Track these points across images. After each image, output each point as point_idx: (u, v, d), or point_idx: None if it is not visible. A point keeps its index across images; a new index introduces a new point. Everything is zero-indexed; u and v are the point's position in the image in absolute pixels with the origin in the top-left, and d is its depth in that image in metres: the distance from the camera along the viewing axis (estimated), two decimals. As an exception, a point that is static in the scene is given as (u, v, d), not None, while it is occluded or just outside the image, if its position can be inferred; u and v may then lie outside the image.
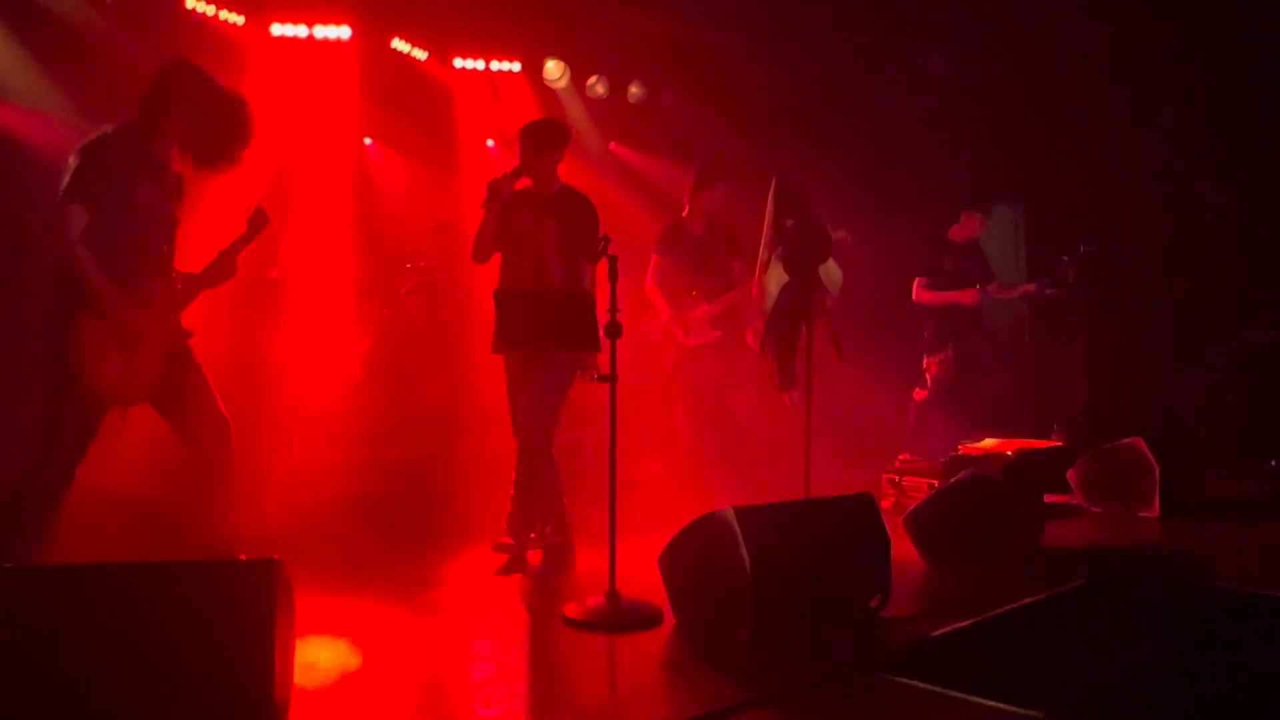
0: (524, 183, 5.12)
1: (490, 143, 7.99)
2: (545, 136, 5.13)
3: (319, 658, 3.61)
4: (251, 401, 6.03)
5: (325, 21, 6.95)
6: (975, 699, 3.20)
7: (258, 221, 4.23)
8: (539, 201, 5.11)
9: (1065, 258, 7.44)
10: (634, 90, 8.30)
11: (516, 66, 7.95)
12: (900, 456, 7.12)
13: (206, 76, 4.09)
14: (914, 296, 7.39)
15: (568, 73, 8.02)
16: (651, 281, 6.62)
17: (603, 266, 4.31)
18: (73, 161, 3.83)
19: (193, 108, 4.01)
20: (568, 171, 5.31)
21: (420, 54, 7.55)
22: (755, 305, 6.28)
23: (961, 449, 6.57)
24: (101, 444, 4.03)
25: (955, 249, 7.45)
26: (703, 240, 6.53)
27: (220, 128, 4.06)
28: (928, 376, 7.40)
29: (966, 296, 7.28)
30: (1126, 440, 6.29)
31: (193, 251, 4.27)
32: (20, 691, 2.77)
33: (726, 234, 6.55)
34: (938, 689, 3.30)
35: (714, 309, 6.44)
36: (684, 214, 6.63)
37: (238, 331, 6.16)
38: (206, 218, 4.60)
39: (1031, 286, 7.73)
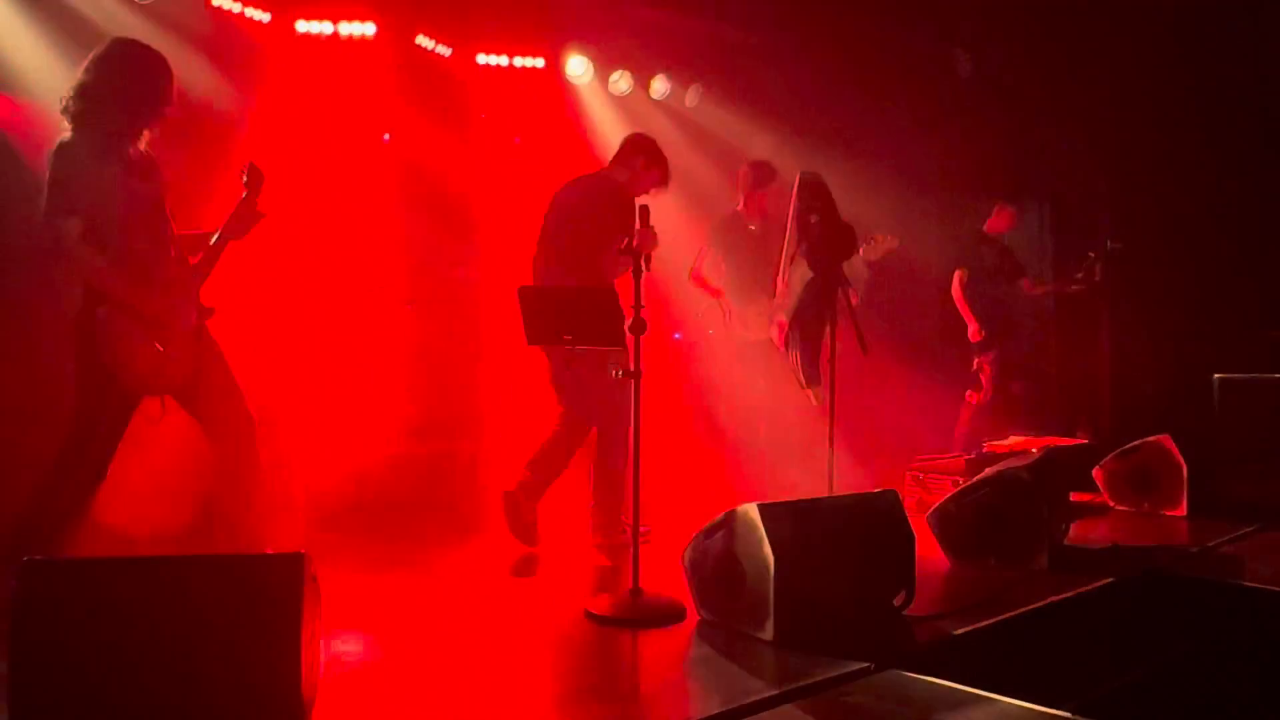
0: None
1: (517, 139, 7.99)
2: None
3: (344, 652, 3.62)
4: (276, 397, 6.06)
5: (350, 18, 6.97)
6: (1002, 698, 3.18)
7: (254, 177, 4.26)
8: None
9: (1092, 254, 7.40)
10: (657, 86, 8.28)
11: (540, 62, 7.95)
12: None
13: (127, 48, 4.08)
14: (953, 290, 7.40)
15: (591, 68, 8.01)
16: (700, 273, 6.65)
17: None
18: (49, 175, 3.82)
19: (130, 84, 4.00)
20: (591, 166, 5.32)
21: (444, 50, 7.56)
22: (779, 302, 6.28)
23: (986, 446, 6.54)
24: (130, 437, 4.06)
25: (992, 244, 7.45)
26: (759, 237, 6.58)
27: (153, 89, 4.05)
28: (982, 378, 7.36)
29: (972, 329, 7.31)
30: (1153, 438, 6.24)
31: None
32: (45, 684, 2.78)
33: (779, 232, 6.59)
34: (963, 687, 3.28)
35: (773, 305, 6.45)
36: (739, 208, 6.66)
37: (260, 327, 6.18)
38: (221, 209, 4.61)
39: (1060, 283, 7.71)
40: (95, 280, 3.84)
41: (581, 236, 5.29)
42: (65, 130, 3.92)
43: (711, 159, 8.00)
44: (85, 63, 3.99)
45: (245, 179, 4.26)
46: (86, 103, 3.93)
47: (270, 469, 4.58)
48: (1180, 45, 7.59)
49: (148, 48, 4.11)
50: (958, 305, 7.41)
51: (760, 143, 7.90)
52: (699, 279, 6.69)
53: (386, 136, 7.46)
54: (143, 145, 4.12)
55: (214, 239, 4.22)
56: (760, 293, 6.52)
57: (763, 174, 6.61)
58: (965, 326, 7.45)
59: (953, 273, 7.55)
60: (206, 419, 4.18)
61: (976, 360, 7.38)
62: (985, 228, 7.45)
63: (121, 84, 3.98)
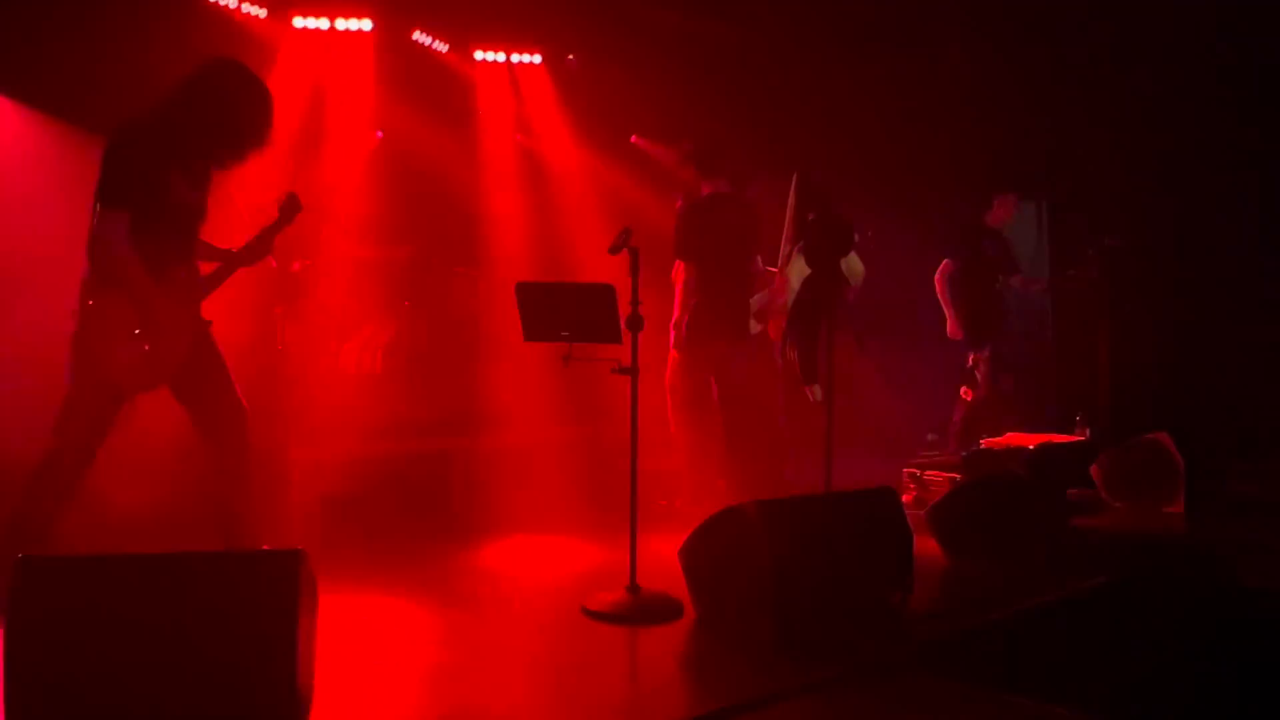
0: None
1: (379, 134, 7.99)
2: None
3: (340, 649, 3.61)
4: (272, 393, 6.05)
5: (347, 14, 6.96)
6: (1000, 694, 3.18)
7: (290, 207, 4.25)
8: None
9: (1089, 251, 7.38)
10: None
11: (538, 58, 7.94)
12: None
13: (237, 74, 4.06)
14: (935, 276, 7.31)
15: None
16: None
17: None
18: (107, 164, 3.83)
19: (221, 105, 4.00)
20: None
21: (441, 46, 7.55)
22: (776, 299, 6.27)
23: (984, 443, 6.53)
24: (116, 437, 4.05)
25: (988, 236, 7.40)
26: None
27: (245, 123, 4.06)
28: (978, 375, 7.33)
29: (950, 325, 7.28)
30: (1151, 435, 6.24)
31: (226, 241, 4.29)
32: (41, 681, 2.77)
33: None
34: (960, 684, 3.28)
35: (758, 305, 6.42)
36: None
37: (259, 324, 6.18)
38: (232, 208, 4.60)
39: (1055, 279, 7.69)
40: (122, 279, 3.83)
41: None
42: (135, 123, 3.93)
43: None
44: (189, 73, 4.00)
45: (280, 205, 4.24)
46: (176, 111, 3.95)
47: (266, 463, 4.57)
48: (1178, 39, 7.57)
49: (251, 78, 4.09)
50: (939, 296, 7.33)
51: (757, 141, 7.89)
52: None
53: (380, 134, 7.45)
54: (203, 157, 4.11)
55: (231, 258, 4.21)
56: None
57: (742, 171, 6.56)
58: (978, 337, 7.33)
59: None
60: (198, 412, 4.16)
61: (972, 357, 7.35)
62: (984, 220, 7.41)
63: (219, 105, 3.98)
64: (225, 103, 4.00)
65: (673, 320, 5.86)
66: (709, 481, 5.85)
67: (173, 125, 3.97)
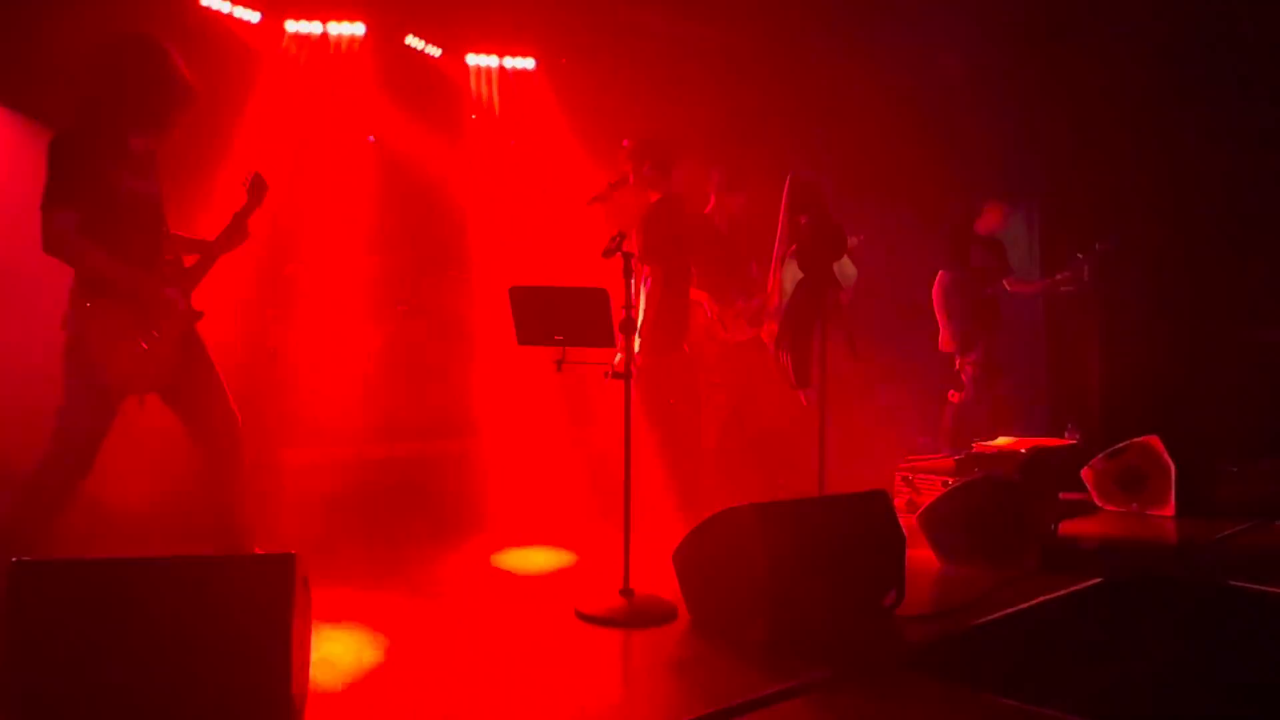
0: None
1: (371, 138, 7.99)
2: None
3: (334, 653, 3.61)
4: (264, 396, 6.05)
5: (339, 19, 6.97)
6: (990, 697, 3.19)
7: (257, 187, 4.25)
8: None
9: (1080, 255, 7.41)
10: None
11: (531, 63, 7.95)
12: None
13: (142, 45, 4.03)
14: (934, 292, 7.38)
15: None
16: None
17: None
18: (47, 167, 3.80)
19: (141, 82, 3.97)
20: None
21: (434, 50, 7.56)
22: (770, 303, 6.28)
23: (976, 447, 6.55)
24: (114, 439, 4.05)
25: (981, 243, 7.44)
26: (726, 238, 6.55)
27: (156, 91, 4.01)
28: (964, 378, 7.36)
29: (943, 337, 7.34)
30: (1142, 438, 6.27)
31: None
32: (35, 685, 2.77)
33: (746, 235, 6.56)
34: (953, 686, 3.29)
35: (750, 307, 6.43)
36: (707, 210, 6.64)
37: (251, 327, 6.18)
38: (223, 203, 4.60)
39: (1045, 283, 7.71)
40: (91, 270, 3.82)
41: None
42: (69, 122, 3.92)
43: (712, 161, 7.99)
44: (90, 57, 3.97)
45: (247, 187, 4.24)
46: (88, 97, 3.92)
47: (258, 468, 4.57)
48: (1172, 43, 7.61)
49: (154, 44, 4.05)
50: (935, 309, 7.39)
51: (749, 146, 7.90)
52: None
53: (371, 138, 7.46)
54: (146, 143, 4.10)
55: (208, 248, 4.21)
56: (735, 294, 6.50)
57: (730, 176, 6.58)
58: (968, 340, 7.38)
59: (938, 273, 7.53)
60: (190, 419, 4.16)
61: (959, 360, 7.39)
62: (975, 226, 7.45)
63: (124, 80, 3.95)
64: (130, 77, 3.96)
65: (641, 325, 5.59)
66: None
67: (92, 114, 3.93)
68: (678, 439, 5.84)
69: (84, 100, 3.93)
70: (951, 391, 7.43)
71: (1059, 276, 7.49)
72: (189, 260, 4.21)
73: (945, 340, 7.37)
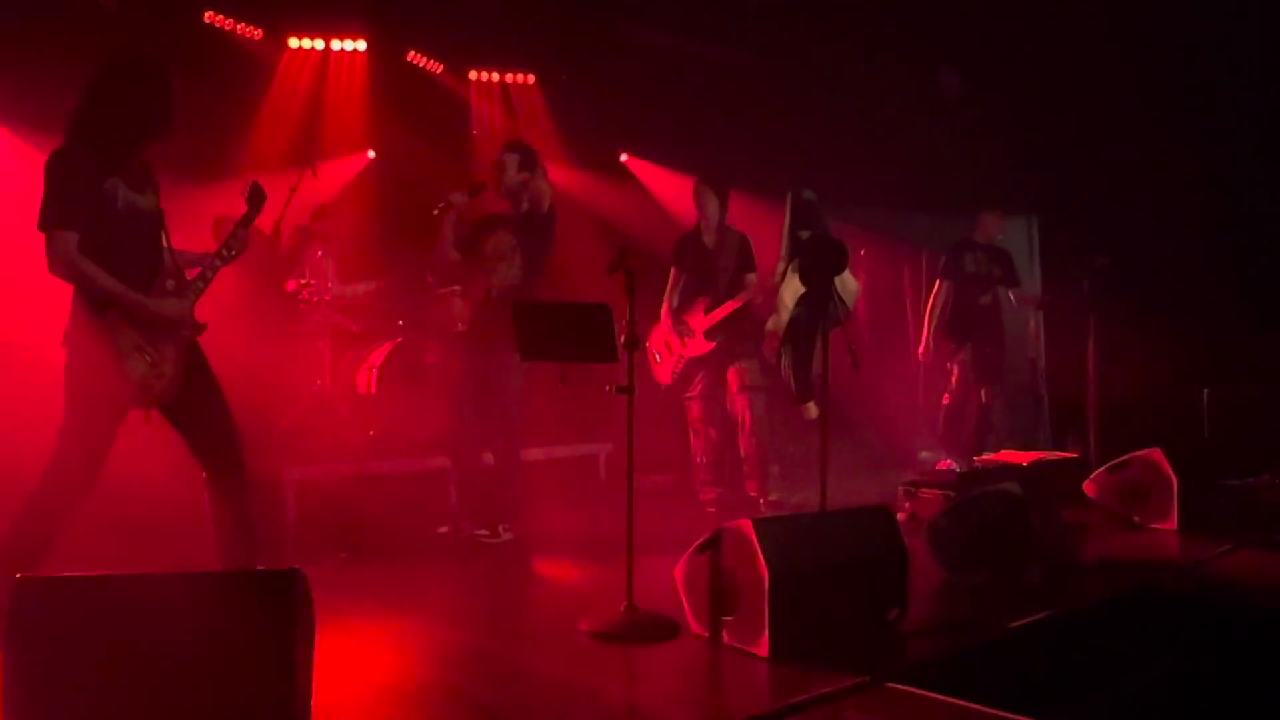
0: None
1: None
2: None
3: (338, 668, 3.61)
4: (267, 412, 6.05)
5: (341, 35, 7.00)
6: (995, 712, 3.18)
7: (255, 196, 4.27)
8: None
9: (1079, 270, 7.44)
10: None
11: (531, 79, 7.99)
12: (941, 465, 7.17)
13: (136, 64, 4.04)
14: (929, 298, 7.47)
15: None
16: (667, 294, 6.61)
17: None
18: (46, 186, 3.80)
19: (134, 99, 3.97)
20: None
21: (435, 67, 7.60)
22: (770, 318, 6.28)
23: (978, 460, 6.56)
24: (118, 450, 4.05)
25: (979, 250, 7.51)
26: (712, 252, 6.50)
27: (152, 109, 4.02)
28: (952, 379, 7.41)
29: (922, 347, 7.40)
30: (1144, 452, 6.26)
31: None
32: (38, 702, 2.77)
33: (739, 247, 6.48)
34: (956, 701, 3.28)
35: (706, 321, 6.37)
36: (697, 224, 6.62)
37: (253, 342, 6.18)
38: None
39: (1049, 297, 7.77)
40: (94, 289, 3.83)
41: None
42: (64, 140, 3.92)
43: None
44: (88, 77, 3.99)
45: (246, 197, 4.25)
46: (86, 116, 3.93)
47: (259, 485, 4.56)
48: (1171, 57, 7.64)
49: (150, 64, 4.08)
50: (925, 315, 7.49)
51: (748, 160, 7.93)
52: (665, 301, 6.63)
53: (371, 154, 7.49)
54: (143, 160, 4.11)
55: (210, 259, 4.21)
56: (707, 308, 6.44)
57: (721, 192, 6.55)
58: (953, 340, 7.45)
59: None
60: (192, 434, 4.15)
61: (948, 363, 7.46)
62: (972, 236, 7.54)
63: (122, 99, 3.97)
64: (129, 98, 3.96)
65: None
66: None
67: (91, 134, 3.93)
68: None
69: (80, 116, 3.94)
70: (945, 394, 7.49)
71: (1059, 292, 7.56)
72: (190, 273, 4.22)
73: (922, 351, 7.49)
